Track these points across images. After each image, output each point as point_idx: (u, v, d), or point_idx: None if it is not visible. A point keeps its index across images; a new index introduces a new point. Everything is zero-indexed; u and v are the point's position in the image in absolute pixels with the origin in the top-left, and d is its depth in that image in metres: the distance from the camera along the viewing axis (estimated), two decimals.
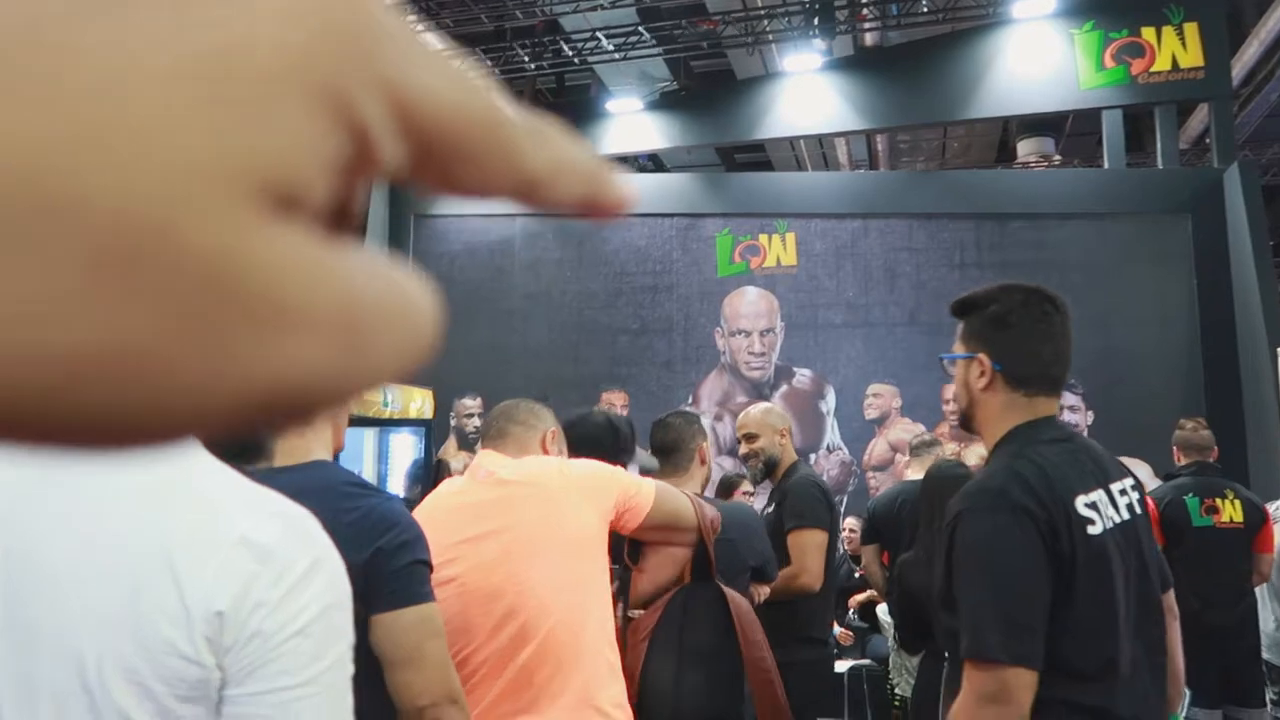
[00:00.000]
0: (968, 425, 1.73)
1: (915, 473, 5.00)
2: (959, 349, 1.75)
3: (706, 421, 6.96)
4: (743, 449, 3.30)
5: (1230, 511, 4.33)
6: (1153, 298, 6.44)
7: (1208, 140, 7.27)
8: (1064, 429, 1.68)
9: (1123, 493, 1.61)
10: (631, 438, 2.57)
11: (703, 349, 7.07)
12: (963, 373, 1.69)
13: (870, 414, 6.75)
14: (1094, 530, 1.49)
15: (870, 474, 6.62)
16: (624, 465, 2.46)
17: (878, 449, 6.68)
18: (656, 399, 7.07)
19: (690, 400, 7.01)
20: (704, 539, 2.08)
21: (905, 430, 6.44)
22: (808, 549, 3.09)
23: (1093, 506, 1.52)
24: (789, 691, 2.88)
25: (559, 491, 1.80)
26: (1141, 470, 6.36)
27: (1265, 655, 4.68)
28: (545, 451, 1.95)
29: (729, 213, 7.22)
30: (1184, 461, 4.44)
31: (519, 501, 1.78)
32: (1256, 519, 4.41)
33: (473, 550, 1.75)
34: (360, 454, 5.81)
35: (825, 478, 6.67)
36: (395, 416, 5.89)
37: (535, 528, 1.75)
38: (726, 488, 5.09)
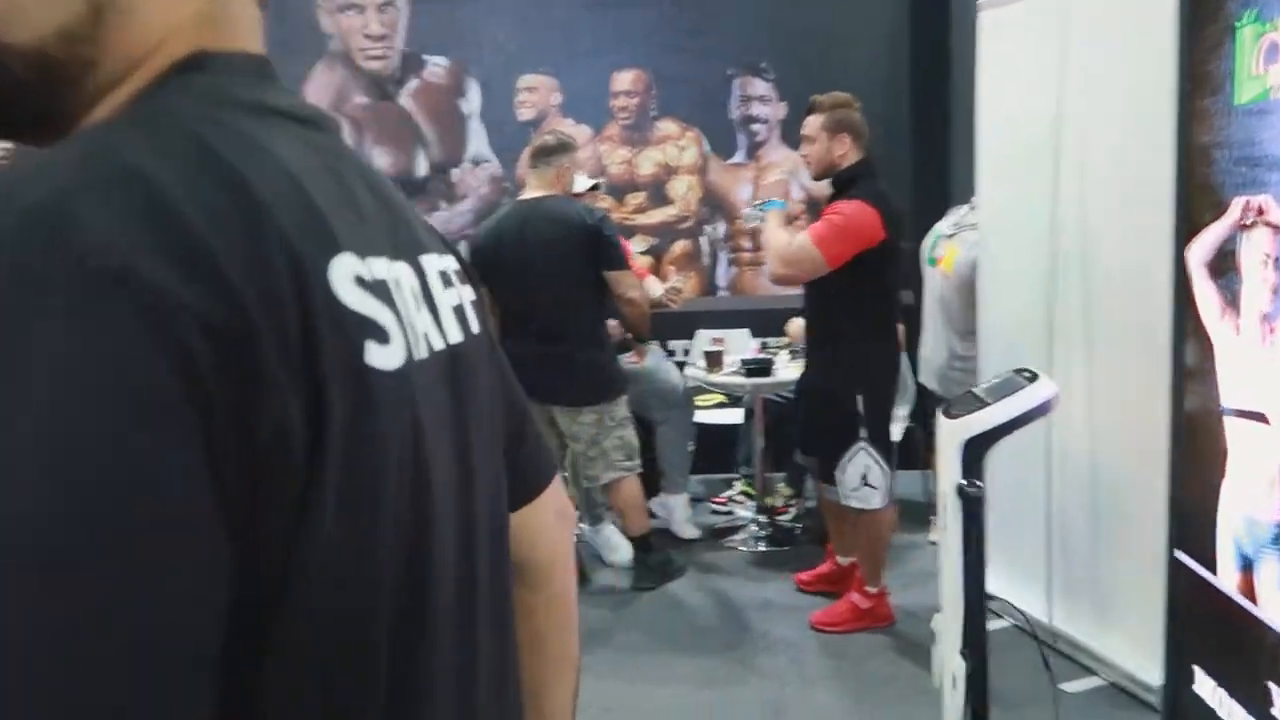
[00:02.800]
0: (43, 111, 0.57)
1: (532, 190, 3.79)
2: None
3: None
4: None
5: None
6: None
7: None
8: (285, 93, 0.64)
9: (446, 280, 0.70)
10: None
11: (304, 32, 5.42)
12: None
13: (524, 114, 5.43)
14: (384, 360, 0.56)
15: None
16: None
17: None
18: None
19: None
20: None
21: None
22: None
23: (383, 294, 0.58)
24: None
25: None
26: None
27: (928, 383, 4.03)
28: None
29: None
30: (857, 155, 3.37)
31: None
32: None
33: None
34: None
35: (473, 197, 5.42)
36: None
37: None
38: None
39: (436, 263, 0.68)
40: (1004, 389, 2.24)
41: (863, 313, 3.29)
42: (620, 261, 3.63)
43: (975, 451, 2.22)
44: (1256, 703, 2.14)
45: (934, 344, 3.93)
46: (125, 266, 0.43)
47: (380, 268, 0.58)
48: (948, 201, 4.42)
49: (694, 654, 3.33)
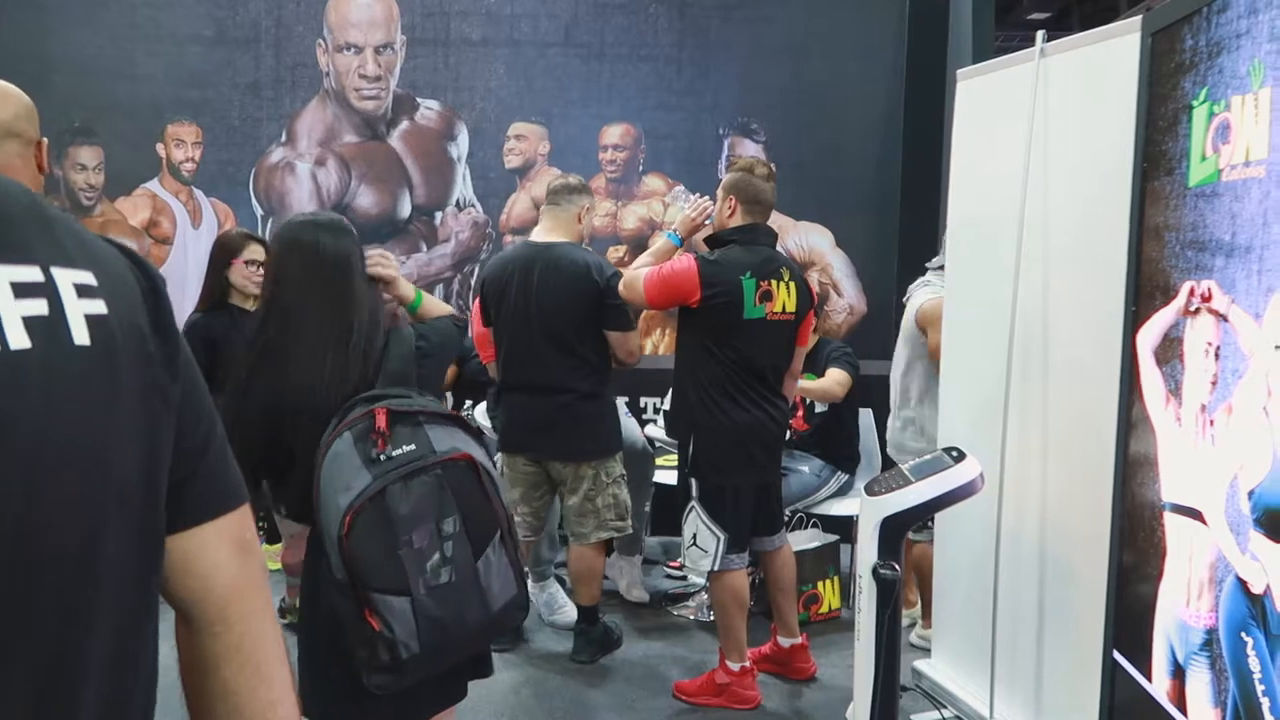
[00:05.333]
0: None
1: (547, 231, 3.66)
2: None
3: (305, 166, 5.45)
4: None
5: (784, 298, 3.27)
6: (858, 23, 5.19)
7: None
8: None
9: (24, 290, 0.68)
10: None
11: (300, 69, 5.45)
12: None
13: (511, 161, 5.40)
14: None
15: (509, 237, 5.34)
16: None
17: (519, 206, 5.40)
18: (238, 133, 5.47)
19: (284, 137, 5.43)
20: None
21: None
22: None
23: None
24: None
25: None
26: (823, 239, 5.31)
27: (892, 455, 3.86)
28: None
29: None
30: (741, 221, 3.30)
31: None
32: (805, 306, 3.39)
33: None
34: None
35: (454, 241, 5.38)
36: None
37: None
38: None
39: (15, 273, 0.67)
40: (928, 468, 2.13)
41: (695, 372, 3.25)
42: (626, 324, 3.53)
43: (893, 531, 2.09)
44: None
45: (892, 415, 3.81)
46: None
47: None
48: None
49: None
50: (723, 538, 3.20)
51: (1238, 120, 1.96)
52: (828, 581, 4.08)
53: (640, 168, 5.36)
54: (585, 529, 3.56)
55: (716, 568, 3.23)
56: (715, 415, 3.20)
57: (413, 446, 1.70)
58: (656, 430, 4.35)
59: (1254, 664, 1.81)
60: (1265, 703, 1.75)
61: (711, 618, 4.06)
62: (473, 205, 5.45)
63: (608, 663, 3.65)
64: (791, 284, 3.28)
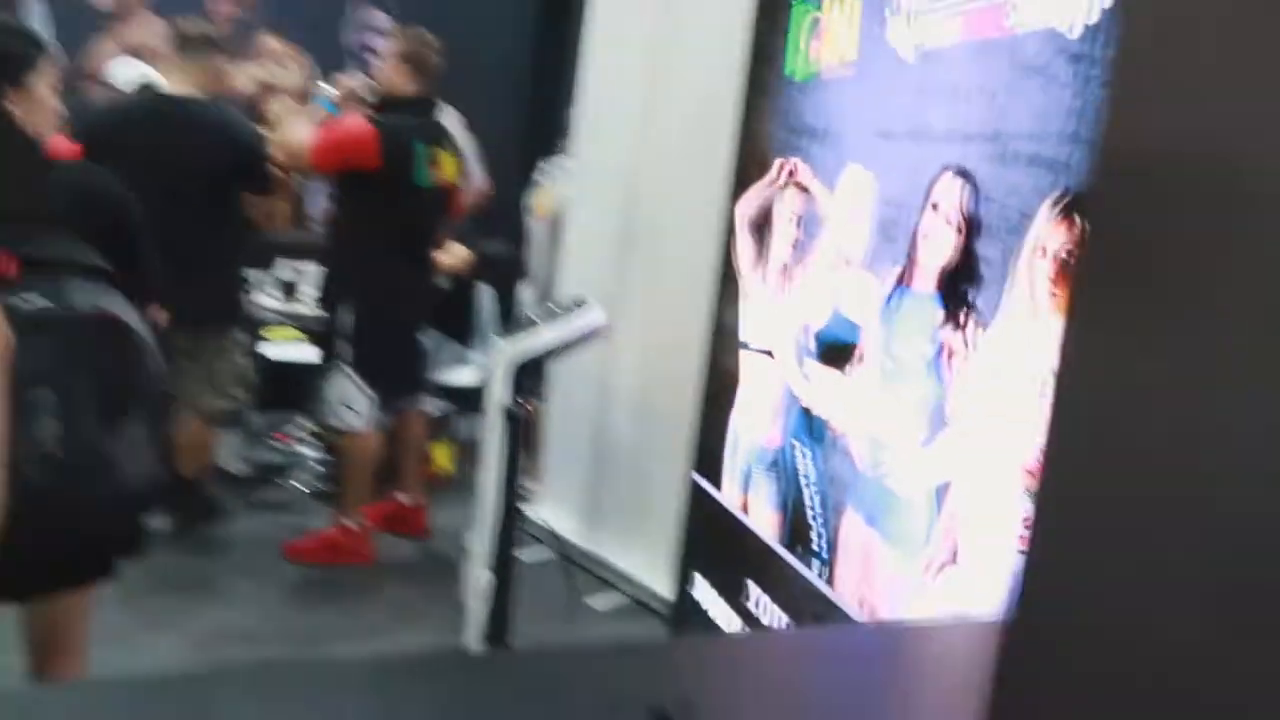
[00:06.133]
0: None
1: (174, 83, 3.20)
2: None
3: None
4: None
5: (446, 167, 3.39)
6: None
7: None
8: None
9: None
10: None
11: None
12: None
13: (101, 1, 4.78)
14: None
15: (95, 87, 4.74)
16: None
17: (107, 53, 4.79)
18: None
19: None
20: None
21: (152, 33, 4.65)
22: None
23: None
24: None
25: None
26: (452, 120, 5.32)
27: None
28: None
29: None
30: (414, 90, 3.33)
31: None
32: (458, 177, 3.56)
33: None
34: None
35: None
36: None
37: None
38: None
39: None
40: (555, 314, 2.30)
41: (361, 237, 3.25)
42: (270, 186, 3.35)
43: (524, 373, 2.25)
44: (734, 596, 2.44)
45: (533, 291, 3.99)
46: None
47: None
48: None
49: (214, 597, 3.14)
50: (375, 398, 3.24)
51: (828, 21, 2.28)
52: (440, 445, 4.22)
53: (256, 26, 4.99)
54: (201, 397, 3.38)
55: (366, 427, 3.26)
56: (381, 280, 3.21)
57: (47, 302, 1.53)
58: (273, 300, 4.18)
59: (806, 467, 2.20)
60: (816, 499, 2.15)
61: (320, 488, 4.03)
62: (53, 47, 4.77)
63: (218, 534, 3.52)
64: (451, 155, 3.36)
